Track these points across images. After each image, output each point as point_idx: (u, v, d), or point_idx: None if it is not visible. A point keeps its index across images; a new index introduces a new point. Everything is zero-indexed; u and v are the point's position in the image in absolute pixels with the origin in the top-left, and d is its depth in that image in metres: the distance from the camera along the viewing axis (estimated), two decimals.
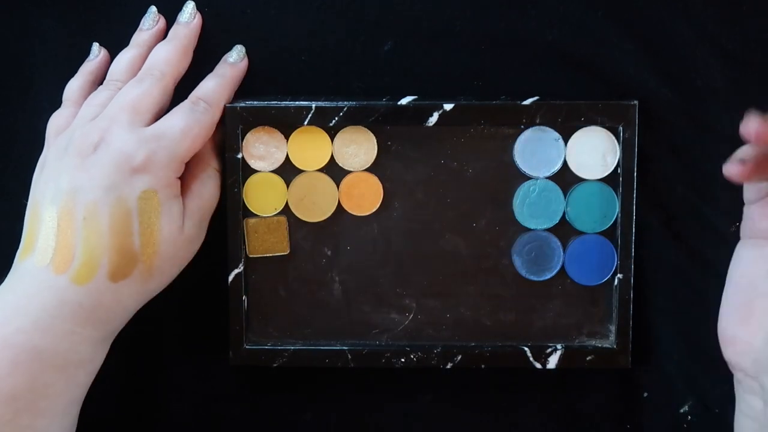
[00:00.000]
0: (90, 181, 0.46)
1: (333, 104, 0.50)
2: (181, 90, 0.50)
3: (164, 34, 0.52)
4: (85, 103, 0.50)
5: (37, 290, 0.45)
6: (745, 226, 0.46)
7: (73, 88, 0.52)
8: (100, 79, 0.52)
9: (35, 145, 0.51)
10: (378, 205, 0.52)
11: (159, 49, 0.51)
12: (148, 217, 0.47)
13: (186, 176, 0.49)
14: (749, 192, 0.46)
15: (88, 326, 0.46)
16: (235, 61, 0.52)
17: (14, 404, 0.43)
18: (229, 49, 0.52)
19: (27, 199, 0.49)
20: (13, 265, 0.47)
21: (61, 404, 0.45)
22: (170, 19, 0.52)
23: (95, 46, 0.53)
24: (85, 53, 0.53)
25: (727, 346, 0.46)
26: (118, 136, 0.47)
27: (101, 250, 0.46)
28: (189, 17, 0.52)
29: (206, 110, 0.49)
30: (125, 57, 0.51)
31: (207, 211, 0.50)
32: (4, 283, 0.47)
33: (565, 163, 0.51)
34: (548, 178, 0.51)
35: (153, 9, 0.52)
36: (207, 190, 0.50)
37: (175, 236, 0.48)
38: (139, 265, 0.47)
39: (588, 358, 0.52)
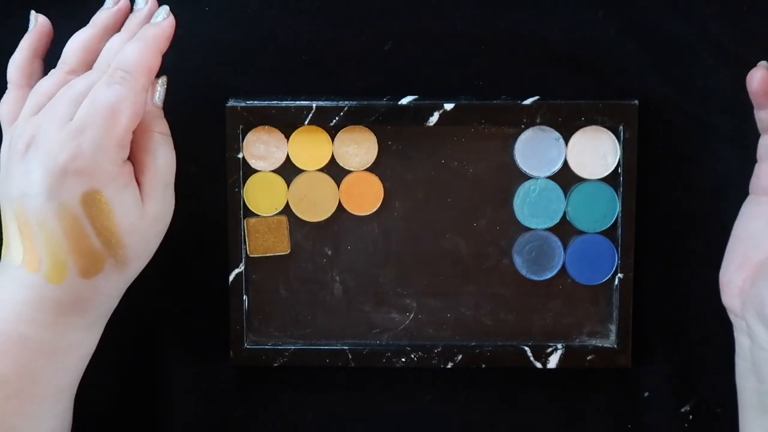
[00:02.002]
0: (31, 187, 0.43)
1: (333, 104, 0.50)
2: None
3: (126, 16, 0.48)
4: (31, 92, 0.47)
5: (16, 286, 0.44)
6: (753, 183, 0.48)
7: (15, 66, 0.48)
8: (42, 51, 0.49)
9: None
10: (378, 205, 0.52)
11: (127, 49, 0.45)
12: (98, 219, 0.44)
13: (134, 150, 0.46)
14: (762, 148, 0.48)
15: (73, 316, 0.45)
16: (159, 20, 0.46)
17: (3, 389, 0.44)
18: (229, 50, 0.52)
19: None
20: None
21: (51, 390, 0.45)
22: (179, 15, 0.52)
23: (32, 14, 0.49)
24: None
25: (724, 289, 0.48)
26: (46, 134, 0.43)
27: (63, 254, 0.44)
28: (162, 17, 0.47)
29: (125, 80, 0.44)
30: (79, 38, 0.47)
31: (167, 181, 0.47)
32: None
33: (565, 162, 0.51)
34: (549, 177, 0.51)
35: None
36: (160, 159, 0.46)
37: (137, 223, 0.45)
38: (108, 260, 0.45)
39: (588, 358, 0.52)
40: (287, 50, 0.52)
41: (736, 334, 0.48)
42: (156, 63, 0.46)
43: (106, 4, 0.49)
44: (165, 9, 0.47)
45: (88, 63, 0.47)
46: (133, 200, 0.45)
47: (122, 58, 0.45)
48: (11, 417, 0.44)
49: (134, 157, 0.46)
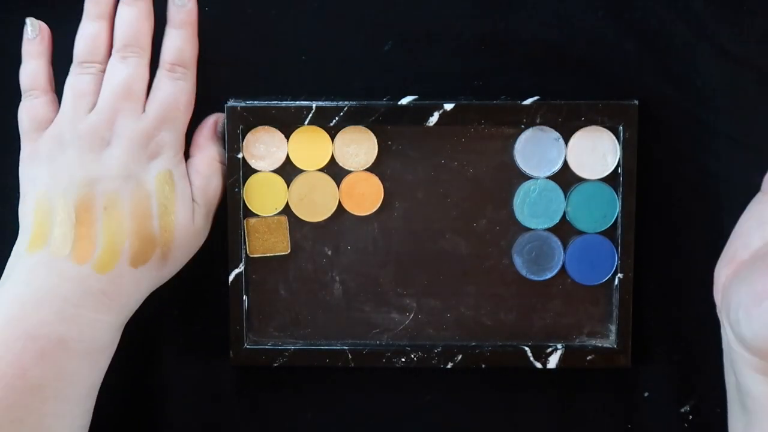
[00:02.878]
0: (108, 173, 0.47)
1: (333, 104, 0.50)
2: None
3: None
4: (69, 94, 0.49)
5: (57, 281, 0.46)
6: (765, 180, 0.47)
7: (32, 74, 0.50)
8: (49, 55, 0.51)
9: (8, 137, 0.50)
10: (378, 205, 0.52)
11: (126, 18, 0.49)
12: (165, 197, 0.48)
13: (191, 171, 0.51)
14: None
15: (110, 313, 0.47)
16: (183, 4, 0.50)
17: (41, 393, 0.44)
18: (229, 50, 0.52)
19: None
20: (15, 257, 0.47)
21: (85, 389, 0.47)
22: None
23: (29, 22, 0.50)
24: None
25: (714, 284, 0.48)
26: (126, 126, 0.48)
27: (122, 237, 0.47)
28: None
29: (185, 75, 0.50)
30: (88, 32, 0.50)
31: (212, 206, 0.51)
32: (9, 277, 0.47)
33: (565, 162, 0.51)
34: (548, 177, 0.51)
35: None
36: (212, 184, 0.51)
37: (188, 222, 0.49)
38: (156, 251, 0.48)
39: (588, 358, 0.52)
40: (287, 50, 0.52)
41: (721, 329, 0.48)
42: (198, 48, 0.51)
43: None
44: None
45: (103, 52, 0.50)
46: (188, 194, 0.50)
47: (177, 54, 0.50)
48: (48, 418, 0.45)
49: (189, 176, 0.50)
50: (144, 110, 0.49)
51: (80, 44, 0.50)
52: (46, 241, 0.47)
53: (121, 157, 0.48)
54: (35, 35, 0.50)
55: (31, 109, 0.50)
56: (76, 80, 0.49)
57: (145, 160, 0.48)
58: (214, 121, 0.51)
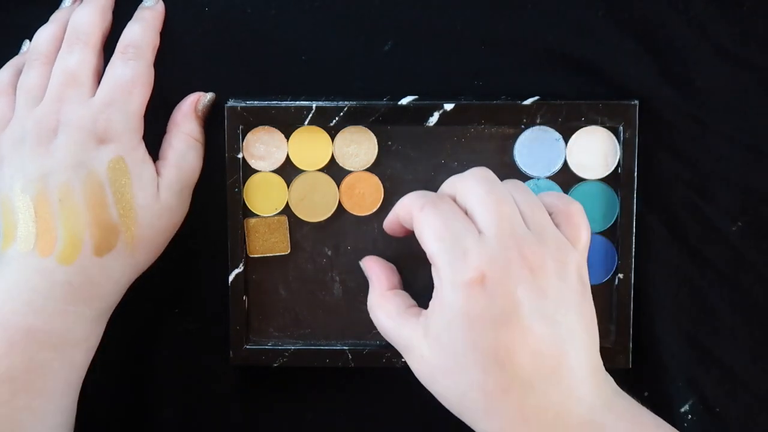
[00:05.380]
0: (58, 164, 0.47)
1: (333, 104, 0.50)
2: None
3: None
4: (18, 90, 0.49)
5: (26, 274, 0.46)
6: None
7: (1, 79, 0.51)
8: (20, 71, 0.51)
9: None
10: (378, 205, 0.52)
11: (77, 13, 0.50)
12: (119, 184, 0.47)
13: (164, 147, 0.50)
14: None
15: (81, 304, 0.46)
16: (151, 4, 0.51)
17: (11, 385, 0.44)
18: (229, 50, 0.52)
19: None
20: None
21: (58, 384, 0.46)
22: (179, 15, 0.52)
23: (26, 43, 0.52)
24: None
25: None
26: (72, 113, 0.47)
27: (81, 227, 0.46)
28: None
29: (138, 55, 0.49)
30: (44, 32, 0.51)
31: (187, 182, 0.50)
32: None
33: (565, 163, 0.51)
34: (548, 178, 0.51)
35: None
36: (186, 160, 0.50)
37: (151, 203, 0.48)
38: (121, 236, 0.47)
39: None
40: (287, 50, 0.52)
41: None
42: (156, 40, 0.51)
43: (64, 4, 0.52)
44: None
45: (53, 48, 0.50)
46: (150, 176, 0.48)
47: (130, 36, 0.50)
48: (19, 412, 0.44)
49: (162, 151, 0.50)
50: (92, 94, 0.48)
51: (32, 45, 0.51)
52: (14, 238, 0.47)
53: (69, 146, 0.47)
54: (23, 51, 0.52)
55: None
56: (23, 77, 0.50)
57: (94, 146, 0.47)
58: (193, 100, 0.51)
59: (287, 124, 0.51)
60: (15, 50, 0.53)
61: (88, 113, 0.47)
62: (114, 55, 0.50)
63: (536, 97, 0.50)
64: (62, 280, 0.46)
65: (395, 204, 0.47)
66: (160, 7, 0.52)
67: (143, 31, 0.50)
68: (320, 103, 0.50)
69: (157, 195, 0.49)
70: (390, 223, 0.48)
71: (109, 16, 0.51)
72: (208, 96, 0.51)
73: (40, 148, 0.47)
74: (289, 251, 0.52)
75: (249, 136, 0.51)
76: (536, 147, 0.51)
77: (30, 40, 0.52)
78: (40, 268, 0.46)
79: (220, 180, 0.51)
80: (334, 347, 0.52)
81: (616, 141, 0.51)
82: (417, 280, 0.52)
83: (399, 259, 0.52)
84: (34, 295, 0.45)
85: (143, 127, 0.49)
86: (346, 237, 0.52)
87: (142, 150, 0.49)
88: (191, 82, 0.52)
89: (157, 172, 0.49)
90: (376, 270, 0.49)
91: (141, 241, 0.48)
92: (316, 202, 0.52)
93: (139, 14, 0.51)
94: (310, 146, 0.51)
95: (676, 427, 0.49)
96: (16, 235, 0.47)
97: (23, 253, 0.46)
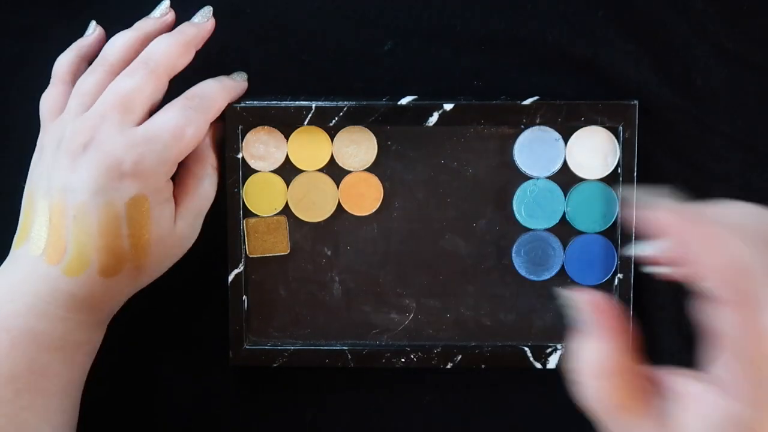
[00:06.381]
0: (80, 183, 0.45)
1: (333, 104, 0.50)
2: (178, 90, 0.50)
3: (170, 29, 0.50)
4: (73, 91, 0.48)
5: (31, 278, 0.46)
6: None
7: (62, 63, 0.50)
8: (91, 57, 0.50)
9: (31, 125, 0.50)
10: (378, 205, 0.52)
11: (158, 40, 0.48)
12: (137, 222, 0.46)
13: (182, 173, 0.49)
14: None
15: (82, 313, 0.46)
16: (241, 79, 0.51)
17: (14, 384, 0.44)
18: (229, 50, 0.52)
19: (24, 181, 0.49)
20: (11, 250, 0.48)
21: (60, 384, 0.46)
22: (179, 15, 0.52)
23: (92, 23, 0.51)
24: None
25: None
26: (108, 137, 0.45)
27: (91, 249, 0.45)
28: (202, 18, 0.50)
29: (200, 108, 0.47)
30: (121, 39, 0.49)
31: (202, 210, 0.50)
32: (2, 267, 0.47)
33: (565, 163, 0.51)
34: (548, 178, 0.51)
35: (166, 1, 0.51)
36: (204, 189, 0.49)
37: (166, 237, 0.47)
38: (128, 264, 0.46)
39: None
40: (287, 50, 0.52)
41: None
42: (224, 105, 0.49)
43: (153, 14, 0.51)
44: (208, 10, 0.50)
45: (128, 62, 0.48)
46: (170, 215, 0.47)
47: (203, 89, 0.48)
48: (22, 411, 0.44)
49: (180, 178, 0.49)
50: (137, 127, 0.46)
51: (105, 49, 0.49)
52: (27, 239, 0.47)
53: (92, 168, 0.45)
54: (89, 34, 0.51)
55: (47, 97, 0.49)
56: (84, 78, 0.48)
57: (118, 177, 0.45)
58: (213, 129, 0.50)
59: (287, 124, 0.51)
60: (17, 52, 0.53)
61: (123, 142, 0.45)
62: (178, 98, 0.48)
63: (536, 97, 0.50)
64: (65, 290, 0.45)
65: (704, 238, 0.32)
66: (244, 84, 0.51)
67: (218, 91, 0.49)
68: (320, 103, 0.50)
69: (173, 227, 0.48)
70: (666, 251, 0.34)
71: (189, 54, 0.49)
72: (221, 125, 0.50)
73: (69, 160, 0.45)
74: (288, 251, 0.52)
75: (248, 136, 0.51)
76: (536, 147, 0.51)
77: (90, 24, 0.51)
78: (46, 274, 0.45)
79: (219, 180, 0.51)
80: (334, 347, 0.52)
81: (615, 141, 0.51)
82: (417, 280, 0.52)
83: (399, 259, 0.52)
84: (36, 299, 0.45)
85: (175, 169, 0.47)
86: (346, 237, 0.52)
87: (167, 190, 0.47)
88: (191, 82, 0.52)
89: (174, 200, 0.48)
90: (604, 323, 0.35)
91: (149, 268, 0.48)
92: (315, 202, 0.52)
93: (224, 78, 0.50)
94: (309, 146, 0.51)
95: None
96: (30, 235, 0.46)
97: (32, 256, 0.46)
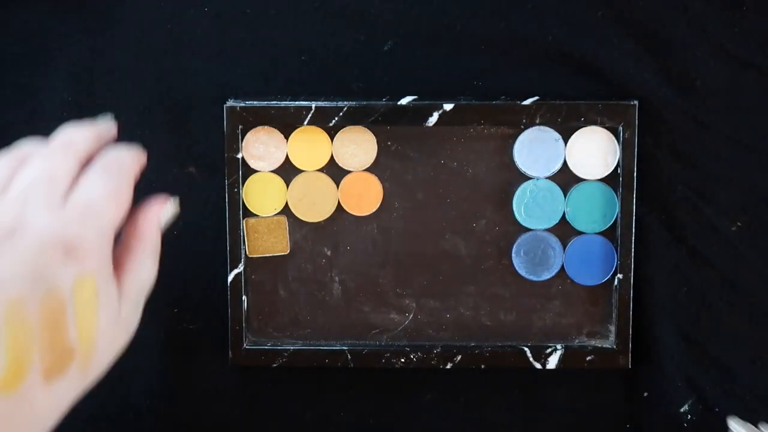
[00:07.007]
0: (11, 273, 0.37)
1: (333, 104, 0.50)
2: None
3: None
4: None
5: None
6: None
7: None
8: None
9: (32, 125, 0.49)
10: (378, 205, 0.52)
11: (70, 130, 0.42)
12: (85, 307, 0.39)
13: (122, 254, 0.42)
14: None
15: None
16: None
17: None
18: (229, 50, 0.52)
19: None
20: None
21: None
22: (179, 15, 0.52)
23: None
24: (87, 54, 0.52)
25: None
26: (36, 217, 0.38)
27: (30, 352, 0.37)
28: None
29: (120, 171, 0.41)
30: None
31: (143, 293, 0.43)
32: None
33: (565, 163, 0.51)
34: (548, 178, 0.51)
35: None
36: (146, 268, 0.43)
37: (112, 323, 0.40)
38: (75, 361, 0.38)
39: (588, 358, 0.52)
40: (287, 50, 0.52)
41: None
42: (139, 166, 0.43)
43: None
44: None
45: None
46: (115, 296, 0.41)
47: (115, 156, 0.42)
48: None
49: (119, 259, 0.42)
50: (65, 201, 0.39)
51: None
52: None
53: (26, 254, 0.37)
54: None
55: None
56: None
57: (60, 258, 0.38)
58: (157, 210, 0.43)
59: (287, 124, 0.51)
60: (17, 54, 0.53)
61: (57, 220, 0.38)
62: (94, 166, 0.41)
63: (536, 97, 0.50)
64: (2, 413, 0.36)
65: None
66: (112, 128, 0.44)
67: (130, 153, 0.42)
68: (320, 103, 0.50)
69: (119, 311, 0.41)
70: None
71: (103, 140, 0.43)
72: (171, 209, 0.44)
73: None
74: (288, 251, 0.52)
75: (248, 136, 0.51)
76: (536, 147, 0.51)
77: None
78: None
79: (219, 180, 0.51)
80: (334, 347, 0.52)
81: (615, 141, 0.50)
82: (417, 280, 0.52)
83: (399, 259, 0.52)
84: None
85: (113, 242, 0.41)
86: (346, 237, 0.52)
87: (110, 268, 0.40)
88: (191, 81, 0.52)
89: (116, 281, 0.41)
90: None
91: (96, 363, 0.40)
92: (315, 202, 0.52)
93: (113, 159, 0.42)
94: (309, 146, 0.51)
95: (676, 427, 0.49)
96: None
97: None
